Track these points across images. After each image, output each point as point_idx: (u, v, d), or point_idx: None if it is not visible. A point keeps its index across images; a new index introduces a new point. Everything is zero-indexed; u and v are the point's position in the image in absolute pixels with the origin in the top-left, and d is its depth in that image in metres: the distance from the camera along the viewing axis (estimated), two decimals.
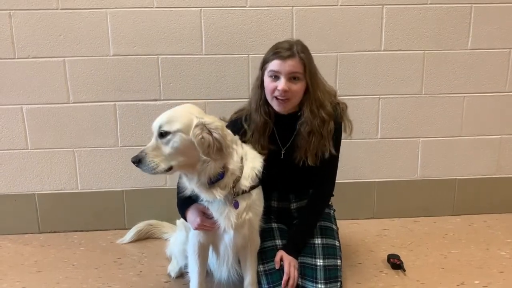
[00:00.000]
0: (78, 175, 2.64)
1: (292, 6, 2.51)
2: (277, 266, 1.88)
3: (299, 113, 1.91)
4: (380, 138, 2.71)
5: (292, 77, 1.81)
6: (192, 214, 1.80)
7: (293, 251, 1.93)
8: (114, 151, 2.62)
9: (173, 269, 2.19)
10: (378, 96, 2.66)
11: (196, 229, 1.80)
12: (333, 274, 1.88)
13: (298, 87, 1.82)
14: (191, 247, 1.89)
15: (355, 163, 2.73)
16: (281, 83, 1.80)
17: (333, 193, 2.11)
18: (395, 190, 2.78)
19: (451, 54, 2.62)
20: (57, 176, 2.63)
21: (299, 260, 1.93)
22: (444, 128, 2.73)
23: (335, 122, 1.93)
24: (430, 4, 2.55)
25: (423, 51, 2.61)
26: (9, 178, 2.62)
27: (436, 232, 2.62)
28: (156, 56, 2.52)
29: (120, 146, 2.61)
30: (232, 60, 2.54)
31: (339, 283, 1.88)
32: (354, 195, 2.77)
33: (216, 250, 1.90)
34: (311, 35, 2.52)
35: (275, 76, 1.82)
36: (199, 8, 2.48)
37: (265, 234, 2.01)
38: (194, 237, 1.86)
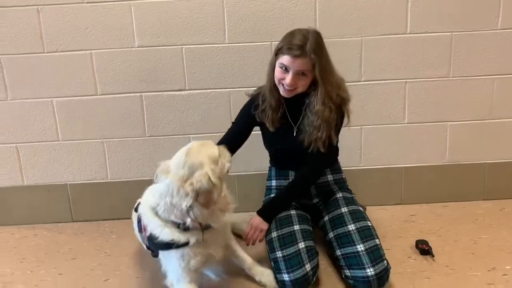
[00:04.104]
0: (107, 165, 2.71)
1: None
2: (246, 230, 2.06)
3: (306, 97, 2.00)
4: (407, 123, 2.67)
5: (300, 73, 1.90)
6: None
7: (264, 215, 2.08)
8: (141, 141, 2.67)
9: None
10: (404, 80, 2.61)
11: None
12: (377, 255, 1.89)
13: (304, 81, 1.93)
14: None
15: (382, 149, 2.71)
16: (289, 78, 1.91)
17: (345, 177, 2.28)
18: (423, 176, 2.74)
19: (480, 35, 2.54)
20: (87, 166, 2.71)
21: (341, 253, 1.97)
22: (473, 111, 2.66)
23: (339, 110, 2.00)
24: None
25: (450, 33, 2.54)
26: (42, 169, 2.71)
27: (466, 217, 2.58)
28: (180, 46, 2.54)
29: (148, 136, 2.66)
30: (255, 48, 2.54)
31: (385, 261, 1.89)
32: (381, 181, 2.74)
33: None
34: (335, 20, 2.48)
35: (285, 68, 1.92)
36: None
37: (284, 221, 2.07)
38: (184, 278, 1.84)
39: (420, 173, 2.74)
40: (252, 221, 2.10)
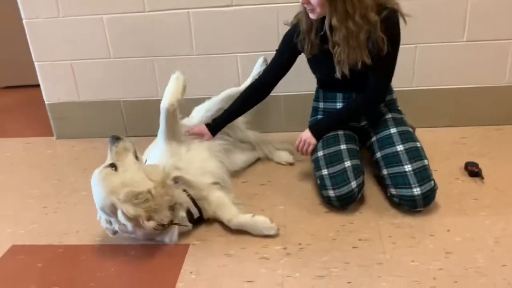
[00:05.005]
0: (158, 84, 2.76)
1: None
2: (296, 142, 2.16)
3: None
4: (465, 41, 2.52)
5: None
6: None
7: (314, 131, 2.12)
8: (189, 60, 2.68)
9: None
10: None
11: None
12: (424, 175, 1.90)
13: (316, 1, 1.81)
14: None
15: (436, 69, 2.59)
16: None
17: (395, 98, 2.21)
18: (478, 97, 2.63)
19: None
20: (138, 84, 2.77)
21: (387, 172, 1.98)
22: None
23: (381, 29, 1.83)
24: None
25: None
26: (96, 86, 2.80)
27: None
28: None
29: (196, 55, 2.66)
30: None
31: (432, 182, 1.90)
32: (433, 103, 2.67)
33: None
34: None
35: None
36: None
37: (330, 140, 2.08)
38: None
39: (475, 94, 2.63)
40: (302, 134, 2.14)
